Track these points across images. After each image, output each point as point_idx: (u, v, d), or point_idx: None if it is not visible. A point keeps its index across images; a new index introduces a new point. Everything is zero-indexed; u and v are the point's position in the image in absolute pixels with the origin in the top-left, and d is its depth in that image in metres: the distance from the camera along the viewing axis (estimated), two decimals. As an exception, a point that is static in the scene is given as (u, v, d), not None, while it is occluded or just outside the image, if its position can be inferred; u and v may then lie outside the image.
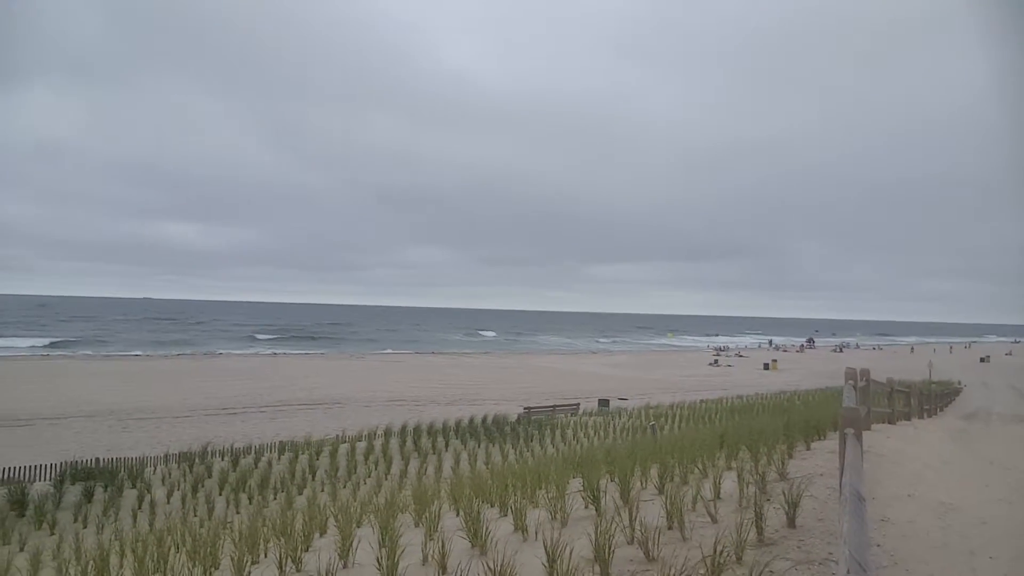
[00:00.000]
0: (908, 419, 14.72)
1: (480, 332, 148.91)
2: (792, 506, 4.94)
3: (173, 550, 8.02)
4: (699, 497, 5.88)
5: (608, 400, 34.34)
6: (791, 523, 4.90)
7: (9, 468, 15.69)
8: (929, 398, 20.81)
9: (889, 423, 12.65)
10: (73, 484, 14.77)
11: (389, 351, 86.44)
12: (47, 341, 78.74)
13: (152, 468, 16.84)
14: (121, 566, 7.65)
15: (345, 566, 5.56)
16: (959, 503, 5.72)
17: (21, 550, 10.62)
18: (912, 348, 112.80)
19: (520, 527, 5.83)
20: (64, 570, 7.52)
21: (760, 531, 4.68)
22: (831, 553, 4.21)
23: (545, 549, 4.51)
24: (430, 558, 5.17)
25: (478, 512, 5.75)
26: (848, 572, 2.16)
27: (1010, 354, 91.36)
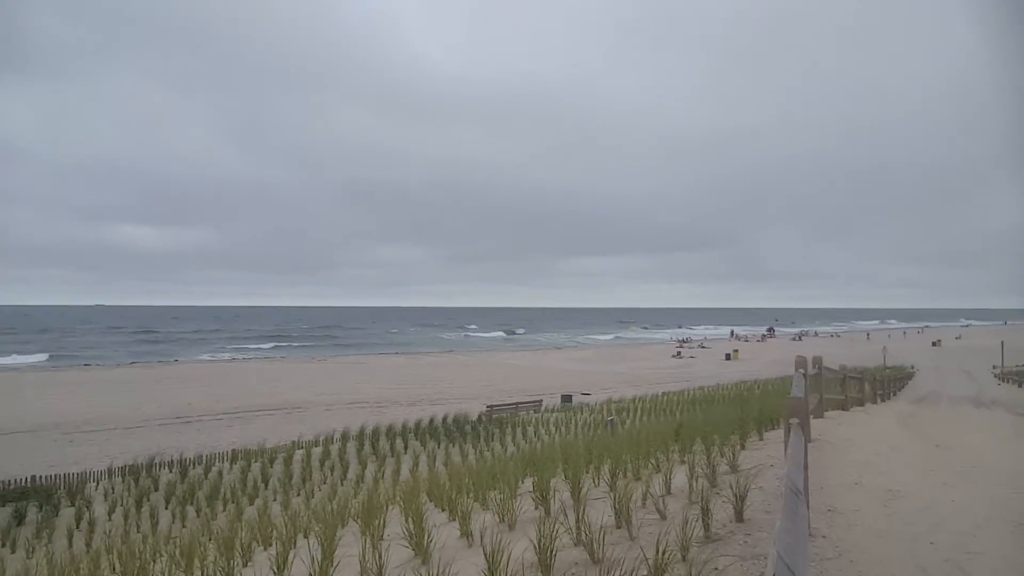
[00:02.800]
0: (862, 405, 14.98)
1: (446, 330, 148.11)
2: (740, 499, 4.84)
3: (108, 571, 7.58)
4: (649, 493, 5.75)
5: (571, 395, 34.38)
6: (739, 517, 4.80)
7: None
8: (883, 383, 21.32)
9: (843, 410, 12.82)
10: (3, 505, 13.95)
11: (352, 353, 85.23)
12: (-10, 353, 75.26)
13: (95, 484, 16.10)
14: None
15: (279, 582, 5.26)
16: (904, 489, 5.72)
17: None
18: (868, 334, 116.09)
19: (466, 532, 5.61)
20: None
21: (707, 527, 4.56)
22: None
23: (484, 555, 4.30)
24: (368, 569, 4.91)
25: (422, 519, 5.52)
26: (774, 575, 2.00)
27: (959, 337, 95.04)
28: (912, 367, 40.67)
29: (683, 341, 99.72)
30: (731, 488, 4.98)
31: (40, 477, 15.87)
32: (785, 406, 4.75)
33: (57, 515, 13.76)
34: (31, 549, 11.66)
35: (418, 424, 22.70)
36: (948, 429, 11.03)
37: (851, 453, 7.61)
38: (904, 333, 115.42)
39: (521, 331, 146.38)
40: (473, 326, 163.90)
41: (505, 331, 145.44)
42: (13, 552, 11.81)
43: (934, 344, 77.32)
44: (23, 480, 15.57)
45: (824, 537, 4.38)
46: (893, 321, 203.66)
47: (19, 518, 13.37)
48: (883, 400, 19.37)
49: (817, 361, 10.56)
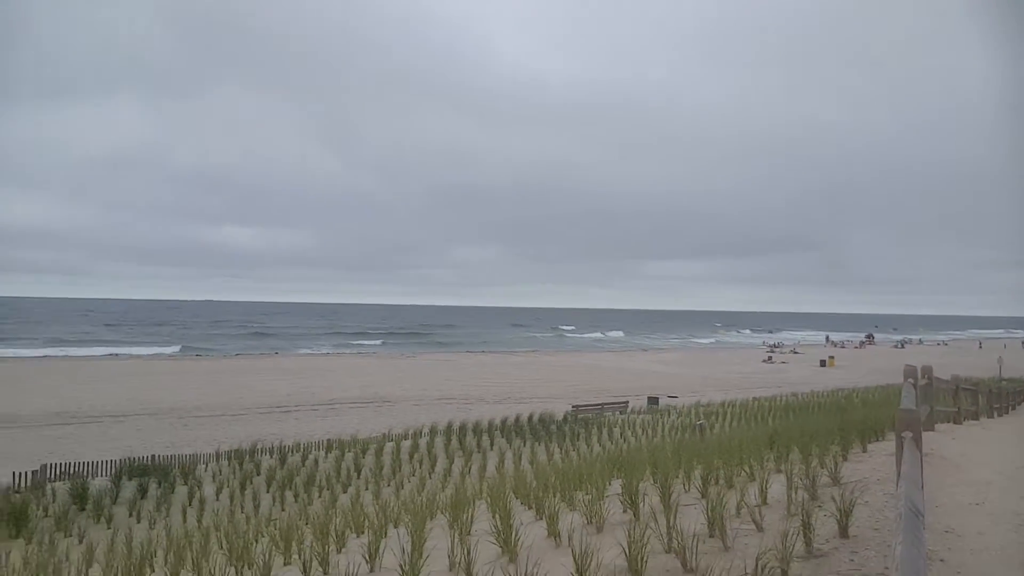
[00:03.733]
0: (976, 418, 13.82)
1: (532, 330, 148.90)
2: (844, 514, 4.56)
3: (216, 547, 8.12)
4: (744, 502, 5.53)
5: (657, 398, 33.72)
6: (843, 533, 4.53)
7: (72, 463, 16.37)
8: (999, 396, 19.54)
9: (955, 423, 11.88)
10: (129, 480, 15.30)
11: (440, 350, 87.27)
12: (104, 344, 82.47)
13: (204, 465, 17.32)
14: (165, 563, 7.78)
15: (371, 570, 5.45)
16: (1036, 513, 5.20)
17: (80, 542, 11.00)
18: (980, 344, 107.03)
19: (553, 532, 5.60)
20: (112, 564, 7.69)
21: (808, 541, 4.33)
22: (886, 568, 3.84)
23: (573, 557, 4.28)
24: (457, 564, 5.00)
25: (510, 516, 5.56)
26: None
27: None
28: None
29: (774, 346, 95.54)
30: (834, 501, 4.71)
31: (159, 456, 17.29)
32: (897, 418, 4.44)
33: (173, 492, 14.92)
34: (152, 521, 12.73)
35: (504, 421, 22.93)
36: (1084, 449, 9.97)
37: (968, 471, 7.02)
38: (1022, 344, 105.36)
39: (604, 333, 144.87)
40: (563, 326, 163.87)
41: (589, 331, 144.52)
42: (139, 522, 12.94)
43: (1059, 354, 70.18)
44: (145, 458, 17.02)
45: (942, 561, 4.06)
46: (1003, 330, 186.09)
47: (143, 492, 14.67)
48: (1000, 415, 17.76)
49: (927, 371, 9.83)
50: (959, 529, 4.70)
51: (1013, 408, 21.62)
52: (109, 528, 12.37)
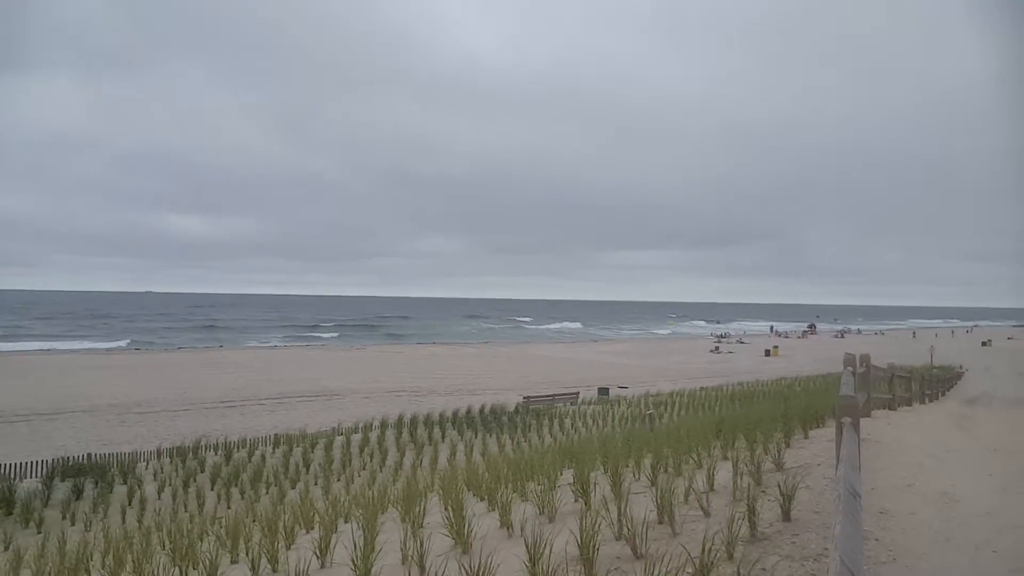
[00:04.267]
0: (909, 404, 14.50)
1: (485, 321, 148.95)
2: (787, 498, 4.72)
3: (159, 547, 7.84)
4: (692, 489, 5.66)
5: (608, 388, 34.17)
6: (786, 516, 4.68)
7: (-1, 465, 15.54)
8: (931, 383, 20.58)
9: (890, 409, 12.43)
10: (63, 481, 14.60)
11: (391, 342, 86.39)
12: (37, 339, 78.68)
13: (145, 463, 16.70)
14: (103, 566, 7.47)
15: (322, 566, 5.36)
16: (962, 493, 5.49)
17: (5, 549, 10.46)
18: (914, 333, 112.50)
19: (506, 523, 5.61)
20: (43, 570, 7.33)
21: (753, 525, 4.46)
22: (826, 548, 3.99)
23: (526, 547, 4.29)
24: (409, 557, 4.96)
25: (462, 507, 5.54)
26: (838, 581, 1.92)
27: (1011, 338, 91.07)
28: (961, 367, 39.15)
29: (721, 336, 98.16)
30: (778, 486, 4.86)
31: (95, 455, 16.55)
32: (837, 405, 4.60)
33: (111, 492, 14.32)
34: (88, 523, 12.18)
35: (455, 413, 22.87)
36: (1005, 432, 10.58)
37: (902, 454, 7.36)
38: (952, 332, 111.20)
39: (558, 324, 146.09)
40: (519, 318, 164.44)
41: (544, 323, 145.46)
42: (73, 525, 12.36)
43: (984, 344, 74.21)
44: (80, 457, 16.27)
45: (877, 540, 4.24)
46: (941, 320, 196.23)
47: (77, 493, 14.00)
48: (931, 400, 18.70)
49: (865, 359, 10.25)
50: (892, 510, 4.92)
51: (943, 394, 22.81)
52: (39, 533, 11.77)
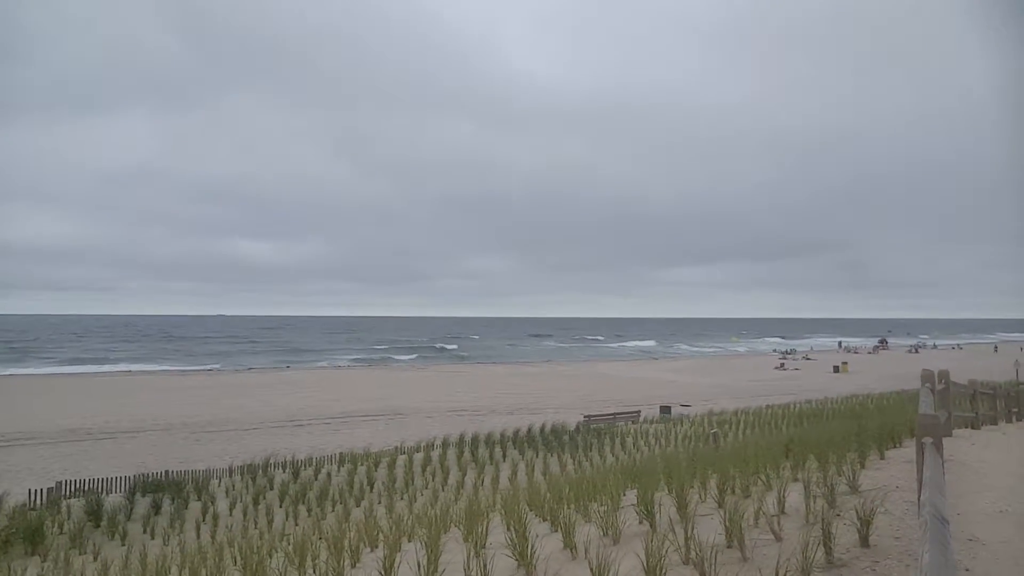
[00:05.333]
0: (995, 423, 13.60)
1: (543, 340, 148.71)
2: (865, 523, 4.50)
3: (230, 563, 8.10)
4: (761, 512, 5.46)
5: (670, 407, 33.49)
6: (864, 542, 4.46)
7: (86, 480, 16.45)
8: (1017, 400, 19.25)
9: (973, 428, 11.70)
10: (143, 496, 15.32)
11: (452, 362, 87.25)
12: (123, 361, 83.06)
13: (217, 480, 17.33)
14: (180, 579, 7.77)
15: (387, 584, 5.41)
16: (1061, 520, 5.10)
17: (94, 560, 11.01)
18: (996, 347, 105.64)
19: (569, 544, 5.55)
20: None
21: (829, 551, 4.27)
22: (911, 578, 3.77)
23: (591, 570, 4.23)
24: (473, 577, 4.96)
25: (525, 528, 5.51)
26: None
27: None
28: None
29: (787, 352, 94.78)
30: (854, 510, 4.65)
31: (172, 472, 17.31)
32: (917, 423, 4.38)
33: (187, 507, 14.93)
34: (167, 537, 12.72)
35: (516, 433, 22.83)
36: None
37: (989, 476, 6.89)
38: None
39: (618, 342, 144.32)
40: (565, 336, 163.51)
41: (602, 341, 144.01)
42: (153, 538, 12.94)
43: (1079, 357, 69.02)
44: (159, 473, 17.06)
45: (967, 570, 3.98)
46: (1021, 334, 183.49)
47: (156, 508, 14.67)
48: (1019, 419, 17.48)
49: (944, 375, 9.70)
50: (983, 537, 4.62)
51: (1032, 412, 21.28)
52: (123, 545, 12.38)
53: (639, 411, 30.73)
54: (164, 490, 15.65)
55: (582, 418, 28.03)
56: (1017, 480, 6.78)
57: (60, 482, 16.00)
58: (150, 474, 16.99)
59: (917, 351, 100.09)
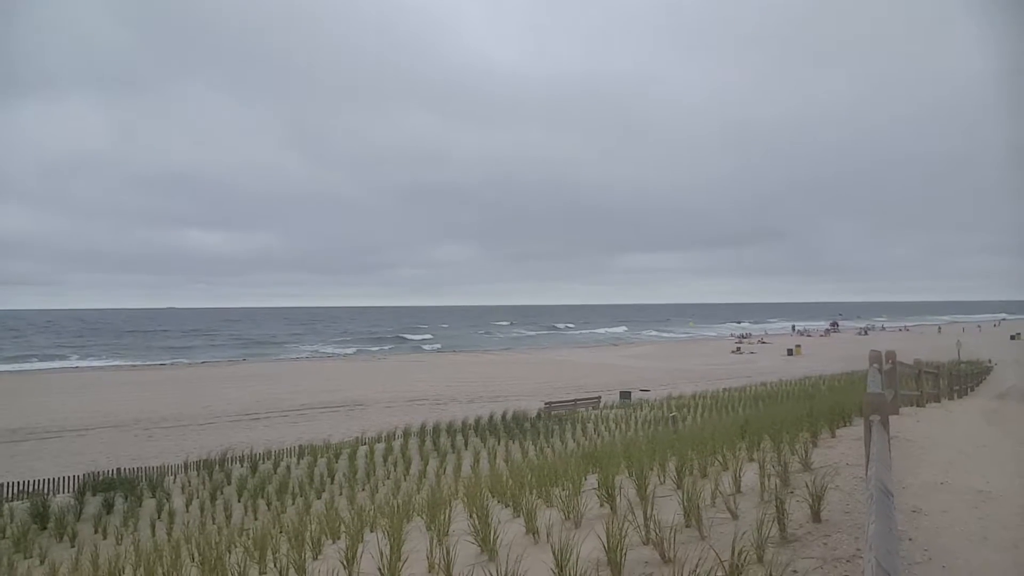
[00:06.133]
0: (938, 401, 14.24)
1: (503, 328, 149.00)
2: (816, 499, 4.65)
3: (188, 560, 7.92)
4: (718, 491, 5.61)
5: (629, 392, 33.99)
6: (816, 517, 4.61)
7: (32, 481, 15.82)
8: (959, 378, 20.20)
9: (918, 406, 12.22)
10: (94, 495, 14.83)
11: (411, 351, 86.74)
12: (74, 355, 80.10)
13: (173, 477, 16.90)
14: (134, 579, 7.56)
15: (350, 575, 5.37)
16: (997, 490, 5.37)
17: (41, 563, 10.62)
18: (940, 328, 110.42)
19: (532, 529, 5.60)
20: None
21: (783, 527, 4.40)
22: (859, 550, 3.92)
23: (553, 553, 4.27)
24: (436, 565, 4.96)
25: (488, 515, 5.54)
26: (874, 583, 1.89)
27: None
28: (990, 361, 38.34)
29: (742, 337, 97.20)
30: (806, 487, 4.80)
31: (124, 469, 16.80)
32: (865, 402, 4.54)
33: (140, 505, 14.51)
34: (120, 537, 12.34)
35: (477, 421, 22.87)
36: (1039, 427, 10.34)
37: (933, 451, 7.22)
38: (979, 327, 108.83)
39: (577, 329, 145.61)
40: (525, 324, 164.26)
41: (562, 328, 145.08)
42: (105, 538, 12.53)
43: (1013, 338, 72.62)
44: (110, 472, 16.53)
45: (911, 540, 4.15)
46: (964, 315, 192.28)
47: (108, 507, 14.18)
48: (960, 396, 18.35)
49: (891, 356, 10.09)
50: (926, 508, 4.83)
51: (972, 390, 22.37)
52: (73, 547, 11.95)
53: (599, 397, 31.11)
54: (116, 488, 15.16)
55: (543, 405, 28.24)
56: (956, 453, 7.11)
57: (1, 484, 15.34)
58: (101, 472, 16.43)
59: (866, 333, 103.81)
